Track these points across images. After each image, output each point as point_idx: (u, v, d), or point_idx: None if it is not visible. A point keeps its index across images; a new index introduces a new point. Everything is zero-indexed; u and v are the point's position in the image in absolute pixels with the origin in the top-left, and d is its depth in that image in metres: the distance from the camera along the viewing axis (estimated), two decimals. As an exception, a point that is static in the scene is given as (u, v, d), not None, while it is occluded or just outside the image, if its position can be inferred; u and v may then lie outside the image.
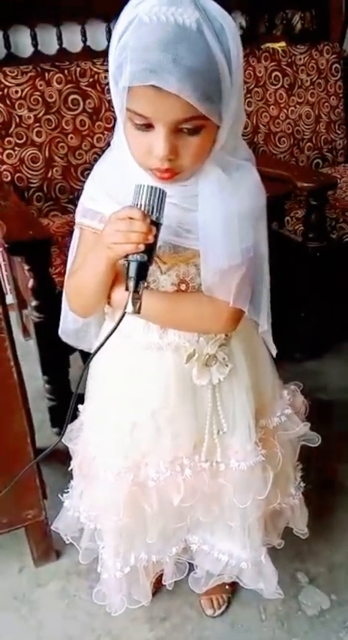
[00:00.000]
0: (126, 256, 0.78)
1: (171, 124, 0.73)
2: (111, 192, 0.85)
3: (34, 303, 1.50)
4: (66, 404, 0.91)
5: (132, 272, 0.77)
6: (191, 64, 0.68)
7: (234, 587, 1.28)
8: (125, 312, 0.78)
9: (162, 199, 0.76)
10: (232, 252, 0.82)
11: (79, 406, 1.11)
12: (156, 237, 0.77)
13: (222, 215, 0.80)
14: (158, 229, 0.77)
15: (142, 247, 0.76)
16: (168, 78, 0.68)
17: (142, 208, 0.76)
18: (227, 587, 1.27)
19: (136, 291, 0.77)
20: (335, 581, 1.33)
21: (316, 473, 1.47)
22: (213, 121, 0.74)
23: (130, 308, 0.77)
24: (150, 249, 0.77)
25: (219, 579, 1.16)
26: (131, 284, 0.77)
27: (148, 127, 0.74)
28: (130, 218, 0.75)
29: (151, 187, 0.76)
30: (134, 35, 0.70)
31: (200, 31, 0.68)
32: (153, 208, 0.76)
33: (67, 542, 1.17)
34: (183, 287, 0.89)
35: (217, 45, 0.70)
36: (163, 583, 1.19)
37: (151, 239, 0.76)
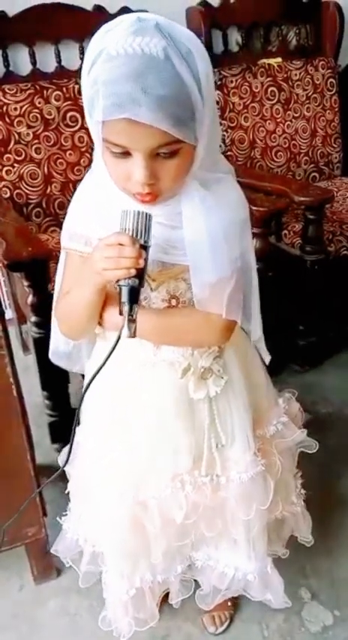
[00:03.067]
0: (117, 281, 0.78)
1: (148, 151, 0.73)
2: (94, 215, 0.86)
3: (33, 318, 1.50)
4: (66, 419, 0.91)
5: (125, 297, 0.78)
6: (161, 93, 0.68)
7: (236, 604, 1.27)
8: (120, 336, 0.79)
9: (148, 223, 0.77)
10: (220, 265, 0.83)
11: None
12: (146, 260, 0.78)
13: (207, 230, 0.81)
14: (147, 252, 0.78)
15: (133, 272, 0.76)
16: (139, 110, 0.68)
17: (130, 233, 0.76)
18: (229, 603, 1.26)
19: (130, 314, 0.78)
20: (338, 597, 1.31)
21: (318, 486, 1.47)
22: (190, 142, 0.75)
23: (125, 333, 0.78)
24: (141, 273, 0.78)
25: (226, 594, 1.15)
26: (125, 309, 0.78)
27: (126, 154, 0.75)
28: (120, 244, 0.76)
29: (138, 212, 0.76)
30: (103, 69, 0.70)
31: (168, 58, 0.69)
32: (141, 232, 0.77)
33: (67, 565, 1.16)
34: (174, 302, 0.89)
35: (186, 69, 0.70)
36: (170, 602, 1.17)
37: (141, 263, 0.76)
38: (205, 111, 0.74)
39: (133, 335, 0.78)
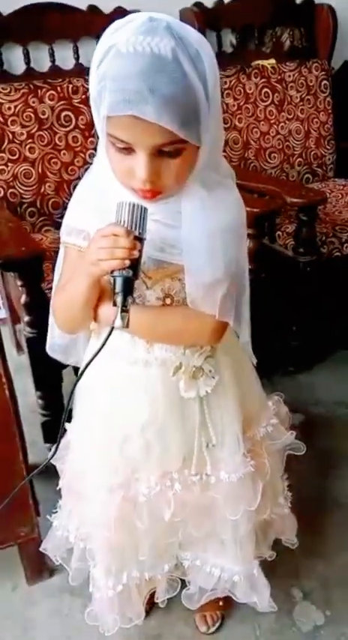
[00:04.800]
0: (112, 272, 0.79)
1: (151, 148, 0.74)
2: (94, 210, 0.86)
3: (26, 318, 1.50)
4: (59, 419, 0.92)
5: (119, 287, 0.78)
6: (168, 93, 0.69)
7: (228, 604, 1.27)
8: (113, 327, 0.79)
9: (144, 215, 0.78)
10: (215, 267, 0.83)
11: (66, 424, 1.10)
12: (140, 252, 0.78)
13: (204, 231, 0.82)
14: (142, 244, 0.79)
15: (127, 263, 0.77)
16: (145, 108, 0.69)
17: (125, 225, 0.77)
18: (221, 603, 1.26)
19: (124, 305, 0.78)
20: (329, 597, 1.32)
21: (309, 487, 1.47)
22: (193, 143, 0.75)
23: (118, 323, 0.78)
24: (135, 265, 0.78)
25: (212, 594, 1.16)
26: (119, 299, 0.78)
27: (130, 150, 0.76)
28: (115, 235, 0.77)
29: (133, 204, 0.77)
30: (112, 65, 0.72)
31: (176, 58, 0.69)
32: (136, 224, 0.77)
33: (57, 562, 1.15)
34: (168, 301, 0.90)
35: (194, 71, 0.71)
36: (156, 600, 1.18)
37: (135, 254, 0.77)
38: (210, 113, 0.74)
39: (125, 326, 0.79)
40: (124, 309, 0.78)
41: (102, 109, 0.73)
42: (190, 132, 0.73)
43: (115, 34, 0.73)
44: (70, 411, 1.07)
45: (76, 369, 1.33)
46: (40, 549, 1.16)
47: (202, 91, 0.72)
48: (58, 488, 1.13)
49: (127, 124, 0.72)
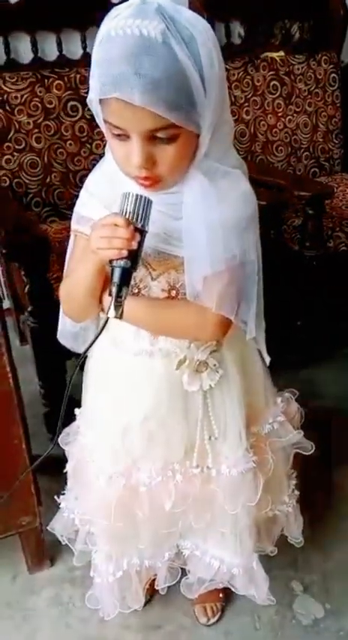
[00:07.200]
0: (111, 262, 0.79)
1: (144, 133, 0.73)
2: (102, 200, 0.86)
3: (30, 308, 1.50)
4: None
5: (115, 278, 0.78)
6: (156, 76, 0.68)
7: (228, 596, 1.28)
8: (108, 317, 0.80)
9: (147, 207, 0.77)
10: (215, 260, 0.82)
11: (76, 410, 1.11)
12: (140, 244, 0.78)
13: (205, 223, 0.81)
14: (143, 236, 0.78)
15: (125, 253, 0.77)
16: (131, 91, 0.68)
17: (128, 215, 0.77)
18: (221, 595, 1.26)
19: (118, 296, 0.78)
20: (329, 590, 1.32)
21: (311, 481, 1.47)
22: (189, 129, 0.74)
23: (112, 313, 0.79)
24: (134, 256, 0.78)
25: (211, 585, 1.17)
26: (114, 289, 0.78)
27: (125, 137, 0.75)
28: (115, 225, 0.77)
29: (137, 195, 0.77)
30: (102, 49, 0.72)
31: (166, 41, 0.68)
32: (138, 216, 0.77)
33: (63, 543, 1.17)
34: (173, 293, 0.89)
35: (186, 54, 0.69)
36: (156, 587, 1.19)
37: (134, 245, 0.77)
38: (207, 99, 0.73)
39: (119, 316, 0.79)
40: (119, 300, 0.78)
41: (93, 92, 0.74)
42: (183, 116, 0.72)
43: (111, 20, 0.72)
44: (79, 401, 1.08)
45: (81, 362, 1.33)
46: (48, 528, 1.18)
47: (196, 75, 0.70)
48: (65, 471, 1.14)
49: (117, 108, 0.72)
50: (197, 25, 0.72)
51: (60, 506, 1.16)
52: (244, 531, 1.08)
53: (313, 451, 1.14)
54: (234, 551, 1.12)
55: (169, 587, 1.19)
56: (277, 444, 1.08)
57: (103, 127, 0.79)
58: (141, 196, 0.77)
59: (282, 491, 1.15)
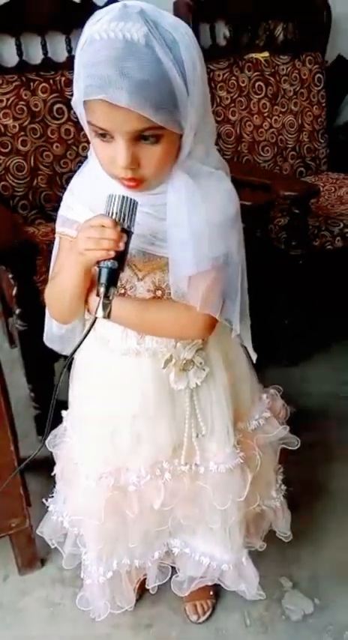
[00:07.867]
0: (98, 263, 0.80)
1: (128, 134, 0.75)
2: (87, 202, 0.87)
3: (18, 311, 1.50)
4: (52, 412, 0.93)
5: (103, 278, 0.79)
6: (140, 78, 0.69)
7: (218, 593, 1.29)
8: (96, 317, 0.80)
9: (133, 208, 0.78)
10: (199, 260, 0.83)
11: (63, 412, 1.12)
12: (127, 244, 0.79)
13: (189, 222, 0.81)
14: (129, 237, 0.79)
15: (112, 254, 0.78)
16: (116, 92, 0.70)
17: (114, 216, 0.78)
18: (211, 592, 1.27)
19: (106, 296, 0.79)
20: (318, 586, 1.34)
21: (300, 478, 1.49)
22: (172, 129, 0.75)
23: (100, 313, 0.80)
24: (121, 257, 0.79)
25: (201, 582, 1.17)
26: (101, 289, 0.79)
27: (110, 138, 0.76)
28: (102, 226, 0.77)
29: (123, 197, 0.78)
30: (86, 52, 0.73)
31: (149, 44, 0.70)
32: (124, 217, 0.78)
33: (53, 546, 1.17)
34: (159, 294, 0.90)
35: (169, 57, 0.71)
36: (147, 587, 1.19)
37: (121, 246, 0.78)
38: (190, 100, 0.74)
39: (107, 316, 0.80)
40: (107, 300, 0.79)
41: (77, 95, 0.75)
42: (166, 118, 0.73)
43: (94, 24, 0.73)
44: (65, 402, 1.09)
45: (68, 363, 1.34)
46: (37, 532, 1.18)
47: (179, 78, 0.72)
48: (53, 474, 1.14)
49: (102, 110, 0.73)
50: (179, 28, 0.73)
51: (48, 509, 1.17)
52: (234, 527, 1.09)
53: (298, 446, 1.15)
54: (224, 547, 1.12)
55: (159, 585, 1.20)
56: (263, 439, 1.10)
57: (86, 129, 0.80)
58: (127, 198, 0.78)
59: (269, 487, 1.16)
